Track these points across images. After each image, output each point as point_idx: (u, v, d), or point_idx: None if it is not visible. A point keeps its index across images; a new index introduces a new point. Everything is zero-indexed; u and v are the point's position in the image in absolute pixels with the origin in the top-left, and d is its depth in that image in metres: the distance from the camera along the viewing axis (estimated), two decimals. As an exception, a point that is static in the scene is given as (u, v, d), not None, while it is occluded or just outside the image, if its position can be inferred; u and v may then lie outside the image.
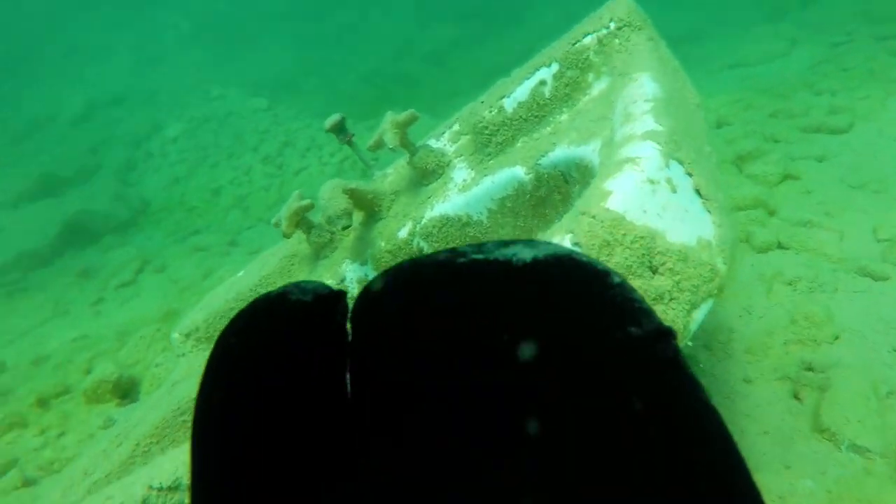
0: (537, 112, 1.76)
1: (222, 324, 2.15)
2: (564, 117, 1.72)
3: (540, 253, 0.36)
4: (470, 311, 0.34)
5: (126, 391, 2.74)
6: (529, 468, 0.29)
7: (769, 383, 1.82)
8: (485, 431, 0.30)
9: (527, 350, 0.31)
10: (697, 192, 1.09)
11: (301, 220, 1.99)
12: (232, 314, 2.17)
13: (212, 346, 2.15)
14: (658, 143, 1.09)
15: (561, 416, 0.30)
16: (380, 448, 0.33)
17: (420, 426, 0.31)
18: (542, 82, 1.75)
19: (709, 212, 1.11)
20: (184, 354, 2.19)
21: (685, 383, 0.32)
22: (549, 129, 1.74)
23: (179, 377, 2.10)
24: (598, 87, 1.69)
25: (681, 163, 1.10)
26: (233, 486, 0.36)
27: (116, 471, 1.73)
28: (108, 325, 3.89)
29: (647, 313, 0.33)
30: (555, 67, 1.73)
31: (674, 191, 1.03)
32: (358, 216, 2.06)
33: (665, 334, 0.33)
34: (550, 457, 0.29)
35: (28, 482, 2.35)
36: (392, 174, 2.08)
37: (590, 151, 1.43)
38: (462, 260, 0.37)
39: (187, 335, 2.18)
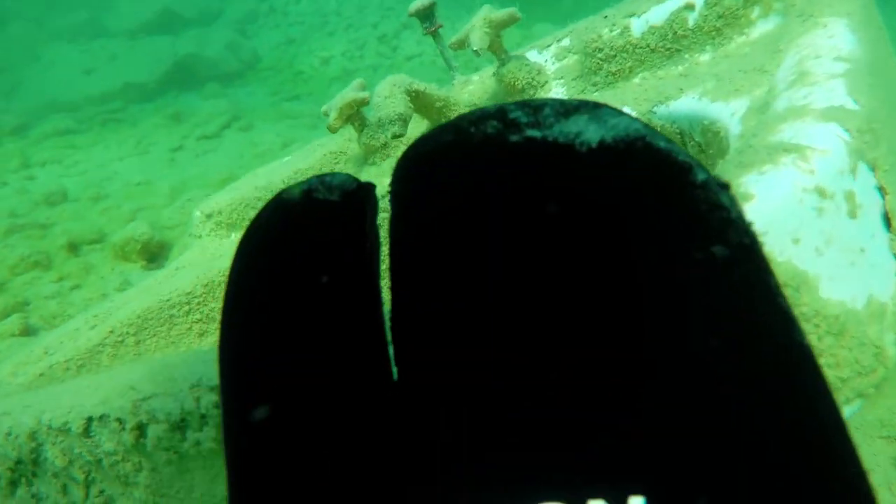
0: (671, 44, 1.32)
1: (245, 212, 1.87)
2: (705, 58, 1.28)
3: (608, 134, 0.31)
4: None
5: (154, 255, 2.54)
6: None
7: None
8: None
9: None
10: (888, 222, 0.68)
11: (354, 115, 1.65)
12: (258, 204, 1.89)
13: (231, 232, 1.76)
14: (846, 131, 0.67)
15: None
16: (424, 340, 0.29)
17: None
18: (689, 6, 1.30)
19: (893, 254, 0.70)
20: (200, 236, 1.93)
21: (769, 315, 0.26)
22: (680, 68, 1.30)
23: (185, 262, 1.85)
24: (763, 28, 1.23)
25: (873, 169, 0.68)
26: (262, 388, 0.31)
27: (80, 357, 1.50)
28: (171, 176, 3.72)
29: (735, 223, 0.27)
30: (712, -13, 1.28)
31: (853, 215, 0.63)
32: (420, 124, 1.70)
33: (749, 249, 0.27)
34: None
35: (27, 331, 2.19)
36: (475, 83, 1.69)
37: (727, 113, 1.00)
38: (515, 138, 0.31)
39: (209, 216, 1.92)
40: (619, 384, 0.25)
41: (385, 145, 1.73)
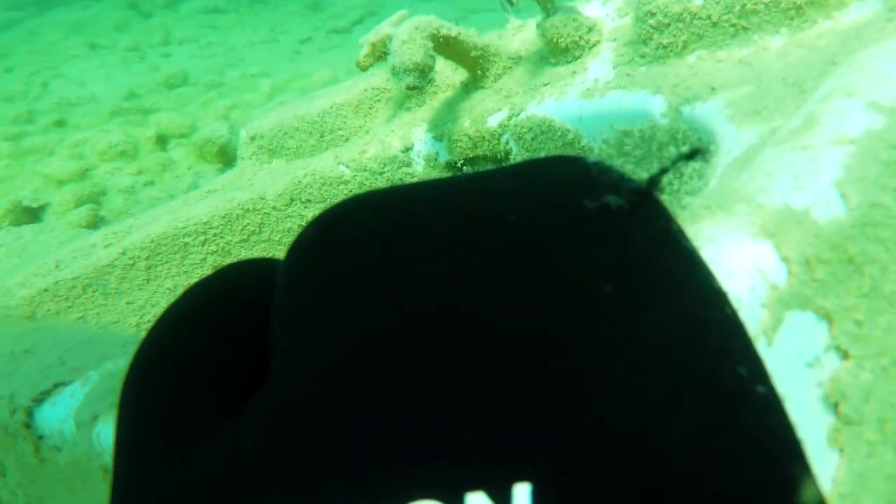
0: (738, 19, 1.03)
1: (284, 140, 1.77)
2: (777, 43, 0.99)
3: None
4: None
5: (231, 159, 2.53)
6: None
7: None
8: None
9: None
10: (835, 407, 0.46)
11: (387, 54, 1.47)
12: (296, 134, 1.79)
13: (271, 158, 1.71)
14: (783, 262, 0.45)
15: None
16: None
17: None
18: (767, -30, 0.99)
19: (840, 450, 0.48)
20: (243, 158, 1.87)
21: (672, 260, 0.24)
22: (744, 52, 1.02)
23: (220, 184, 1.80)
24: (856, 14, 0.92)
25: (828, 322, 0.46)
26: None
27: (88, 275, 1.50)
28: (284, 71, 3.69)
29: (629, 179, 0.26)
30: (801, -50, 0.96)
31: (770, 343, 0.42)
32: (458, 72, 1.49)
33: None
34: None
35: (95, 223, 2.27)
36: (530, 31, 1.45)
37: (744, 134, 0.75)
38: None
39: (252, 137, 1.84)
40: (498, 353, 0.21)
41: (420, 90, 1.55)
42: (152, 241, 1.58)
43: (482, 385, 0.21)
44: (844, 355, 0.50)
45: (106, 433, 0.71)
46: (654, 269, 0.24)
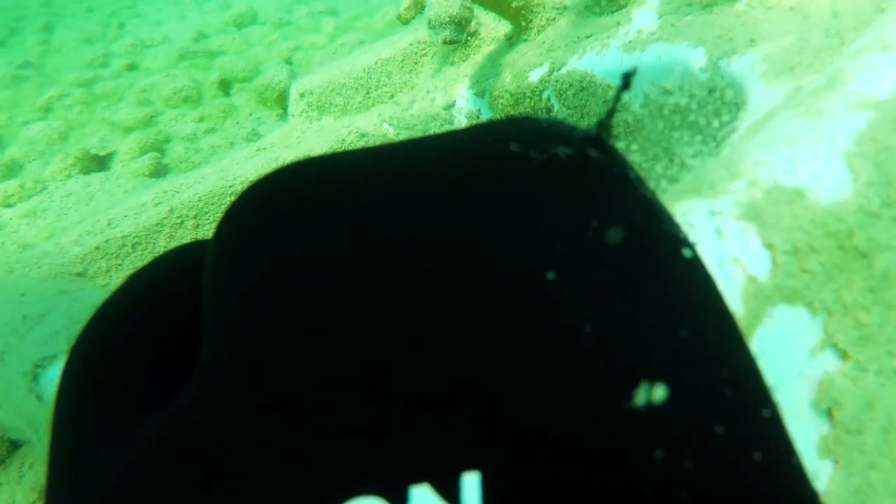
0: (793, -41, 0.92)
1: (332, 97, 1.75)
2: (836, -13, 0.88)
3: None
4: None
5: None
6: None
7: None
8: None
9: None
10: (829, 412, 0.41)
11: (428, 5, 1.41)
12: (343, 90, 1.76)
13: (321, 115, 1.72)
14: (766, 249, 0.40)
15: None
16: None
17: None
18: None
19: (834, 461, 0.43)
20: (293, 115, 1.86)
21: (631, 209, 0.22)
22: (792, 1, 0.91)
23: (270, 143, 1.80)
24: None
25: (827, 314, 0.41)
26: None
27: (137, 234, 1.54)
28: (350, 9, 3.61)
29: (580, 129, 0.23)
30: None
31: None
32: (500, 23, 1.42)
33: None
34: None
35: (159, 171, 2.32)
36: (577, -24, 1.36)
37: (772, 92, 0.67)
38: None
39: (302, 94, 1.83)
40: (440, 330, 0.19)
41: (466, 43, 1.49)
42: (199, 200, 1.61)
43: (423, 370, 0.19)
44: (843, 356, 0.44)
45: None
46: (608, 221, 0.21)
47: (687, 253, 0.22)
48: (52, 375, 0.72)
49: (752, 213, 0.42)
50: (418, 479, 0.18)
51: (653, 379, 0.19)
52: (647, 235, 0.22)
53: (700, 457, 0.18)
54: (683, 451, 0.18)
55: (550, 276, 0.20)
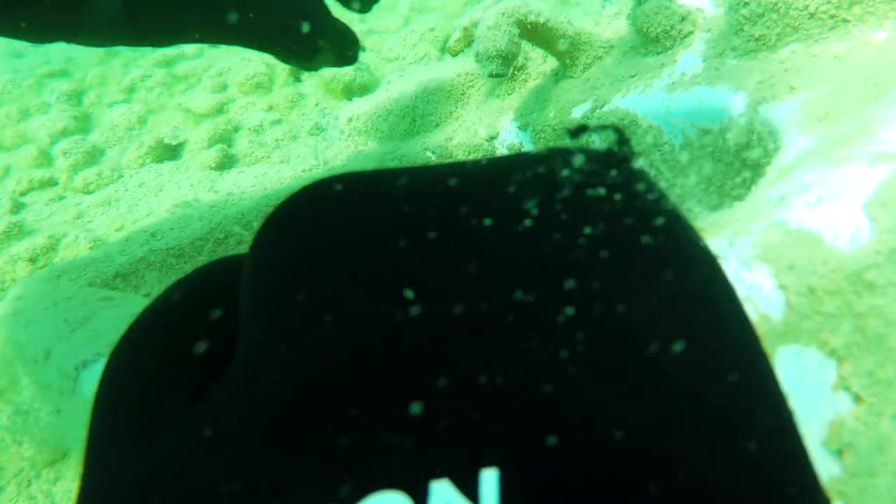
0: (838, 9, 0.93)
1: (379, 123, 1.80)
2: (879, 37, 0.89)
3: None
4: None
5: (353, 95, 2.55)
6: None
7: None
8: None
9: None
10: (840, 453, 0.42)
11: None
12: (390, 117, 1.80)
13: (367, 141, 1.77)
14: (781, 290, 0.41)
15: None
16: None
17: None
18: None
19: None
20: (340, 139, 1.91)
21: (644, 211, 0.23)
22: (842, 46, 0.92)
23: (317, 164, 1.85)
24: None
25: (837, 360, 0.42)
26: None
27: (182, 247, 1.59)
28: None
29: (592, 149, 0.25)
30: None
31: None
32: (548, 63, 1.45)
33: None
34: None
35: (224, 164, 2.36)
36: (624, 20, 1.39)
37: (803, 139, 0.68)
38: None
39: (350, 119, 1.88)
40: (463, 332, 0.20)
41: (514, 77, 1.52)
42: (243, 217, 1.66)
43: (443, 367, 0.20)
44: (856, 399, 0.44)
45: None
46: (632, 229, 0.23)
47: (709, 260, 0.23)
48: (93, 375, 0.75)
49: (768, 255, 0.44)
50: (439, 475, 0.18)
51: (673, 377, 0.20)
52: (671, 242, 0.23)
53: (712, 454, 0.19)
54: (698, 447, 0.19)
55: (569, 284, 0.21)
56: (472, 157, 1.55)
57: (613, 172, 0.25)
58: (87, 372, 0.75)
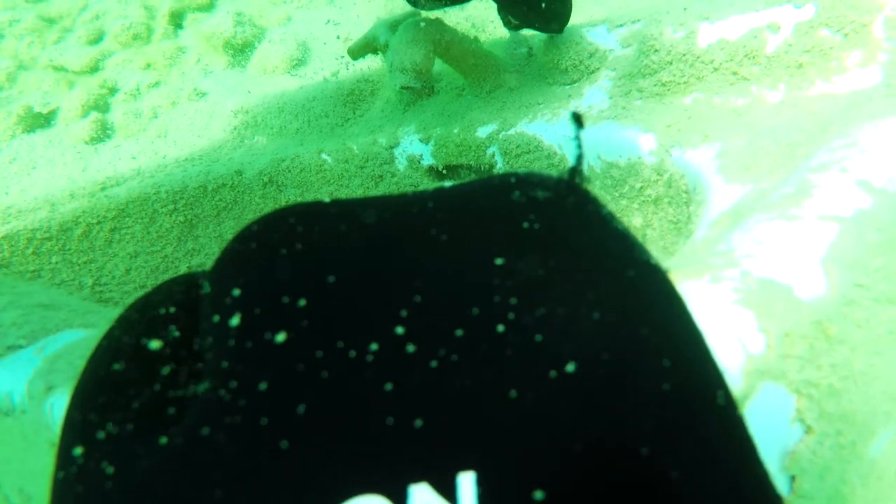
0: (739, 67, 1.04)
1: (269, 118, 1.74)
2: (774, 98, 0.99)
3: None
4: None
5: (237, 52, 2.43)
6: None
7: None
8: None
9: None
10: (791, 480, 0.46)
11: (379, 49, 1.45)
12: (281, 115, 1.76)
13: (254, 135, 1.64)
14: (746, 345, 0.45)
15: None
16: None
17: None
18: (773, 27, 1.00)
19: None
20: (225, 130, 1.83)
21: (606, 240, 0.25)
22: (740, 101, 1.02)
23: (198, 154, 1.76)
24: (857, 80, 0.92)
25: (797, 395, 0.46)
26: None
27: (51, 228, 1.46)
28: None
29: (558, 177, 0.27)
30: (810, 10, 0.97)
31: None
32: (455, 80, 1.48)
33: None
34: None
35: (98, 135, 2.19)
36: (532, 47, 1.44)
37: (730, 188, 0.75)
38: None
39: (236, 112, 1.81)
40: (432, 342, 0.21)
41: (413, 91, 1.53)
42: (121, 204, 1.55)
43: (418, 374, 0.20)
44: (808, 430, 0.50)
45: (59, 406, 0.69)
46: (588, 250, 0.24)
47: (657, 271, 0.24)
48: (56, 403, 0.67)
49: (750, 301, 0.48)
50: (418, 478, 0.19)
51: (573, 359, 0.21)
52: (622, 259, 0.24)
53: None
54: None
55: (532, 300, 0.22)
56: (369, 163, 1.54)
57: (568, 195, 0.26)
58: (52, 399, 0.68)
